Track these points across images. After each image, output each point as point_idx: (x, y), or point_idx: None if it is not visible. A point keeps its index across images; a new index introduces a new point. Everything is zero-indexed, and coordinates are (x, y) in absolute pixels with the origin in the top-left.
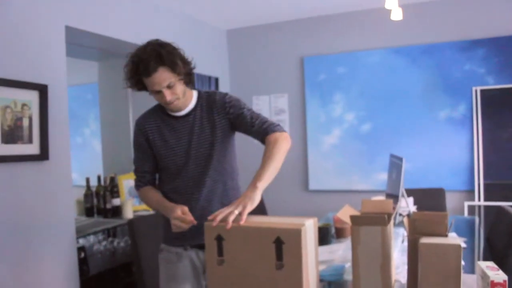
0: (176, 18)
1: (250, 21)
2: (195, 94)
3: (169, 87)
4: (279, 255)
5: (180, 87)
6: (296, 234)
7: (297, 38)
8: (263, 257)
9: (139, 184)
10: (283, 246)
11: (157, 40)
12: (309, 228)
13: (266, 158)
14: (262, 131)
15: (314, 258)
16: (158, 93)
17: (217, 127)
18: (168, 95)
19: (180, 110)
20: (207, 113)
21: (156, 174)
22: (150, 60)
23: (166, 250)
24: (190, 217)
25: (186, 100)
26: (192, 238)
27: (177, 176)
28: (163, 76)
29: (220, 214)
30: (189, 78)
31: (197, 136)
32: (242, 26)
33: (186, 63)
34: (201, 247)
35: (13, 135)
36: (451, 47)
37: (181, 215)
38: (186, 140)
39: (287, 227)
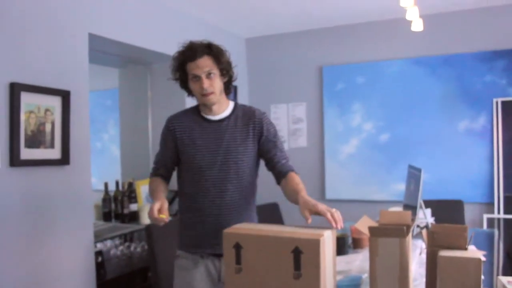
0: (195, 25)
1: (269, 30)
2: (231, 103)
3: (208, 76)
4: (297, 265)
5: (218, 83)
6: (315, 244)
7: (316, 48)
8: (281, 266)
9: (151, 173)
10: (302, 256)
11: None
12: (328, 238)
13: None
14: (281, 165)
15: (332, 269)
16: (197, 80)
17: (250, 139)
18: (205, 83)
19: (213, 103)
20: (242, 124)
21: (171, 172)
22: (198, 47)
23: (183, 257)
24: (164, 214)
25: (222, 105)
26: (210, 246)
27: (200, 179)
28: (207, 63)
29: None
30: (228, 82)
31: (226, 143)
32: (261, 34)
33: (229, 63)
34: (218, 255)
35: (35, 139)
36: (471, 58)
37: (156, 211)
38: (215, 144)
39: (306, 237)
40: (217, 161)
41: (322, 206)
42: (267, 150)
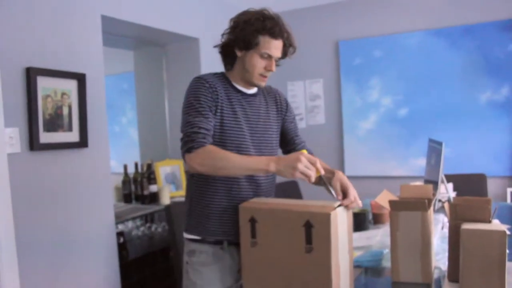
0: (210, 4)
1: (284, 5)
2: None
3: (277, 61)
4: (309, 239)
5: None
6: (325, 218)
7: (332, 22)
8: (293, 240)
9: (202, 141)
10: (313, 230)
11: None
12: (341, 212)
13: None
14: (302, 147)
15: (347, 243)
16: (265, 59)
17: (278, 118)
18: (274, 67)
19: (261, 87)
20: (272, 103)
21: None
22: (283, 28)
23: (201, 252)
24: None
25: None
26: (236, 233)
27: None
28: (281, 48)
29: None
30: None
31: (263, 121)
32: (275, 10)
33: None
34: (238, 244)
35: (54, 123)
36: (493, 27)
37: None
38: (253, 121)
39: (317, 210)
40: (254, 139)
41: (353, 191)
42: (288, 131)
